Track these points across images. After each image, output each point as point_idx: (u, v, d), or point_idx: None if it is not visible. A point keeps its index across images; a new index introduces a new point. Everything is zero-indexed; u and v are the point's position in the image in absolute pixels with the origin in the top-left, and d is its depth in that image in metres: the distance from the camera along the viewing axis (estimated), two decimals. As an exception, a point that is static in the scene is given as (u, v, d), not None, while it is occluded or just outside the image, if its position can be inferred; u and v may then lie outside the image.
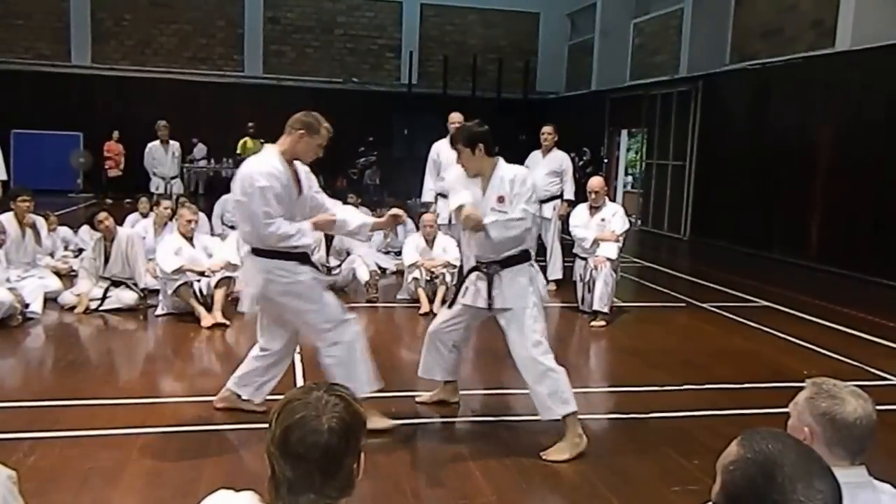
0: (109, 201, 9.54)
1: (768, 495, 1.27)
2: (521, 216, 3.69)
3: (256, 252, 3.70)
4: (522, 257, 3.82)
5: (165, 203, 7.86)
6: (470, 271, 3.94)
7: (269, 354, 4.01)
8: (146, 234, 7.51)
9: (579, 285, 6.87)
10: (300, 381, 4.49)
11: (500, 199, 3.74)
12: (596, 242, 6.75)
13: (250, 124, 14.34)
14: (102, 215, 6.42)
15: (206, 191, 16.09)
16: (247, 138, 14.39)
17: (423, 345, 4.23)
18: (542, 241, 8.09)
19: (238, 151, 14.34)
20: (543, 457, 3.62)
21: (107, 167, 15.56)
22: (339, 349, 3.77)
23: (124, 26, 17.60)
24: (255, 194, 3.51)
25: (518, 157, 9.10)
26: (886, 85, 9.21)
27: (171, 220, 7.41)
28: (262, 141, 14.03)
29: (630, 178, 16.83)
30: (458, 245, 7.30)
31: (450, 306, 4.09)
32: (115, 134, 15.61)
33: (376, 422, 3.76)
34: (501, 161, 3.85)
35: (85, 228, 7.95)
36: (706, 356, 5.73)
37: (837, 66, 10.05)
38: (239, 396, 4.06)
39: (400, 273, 7.76)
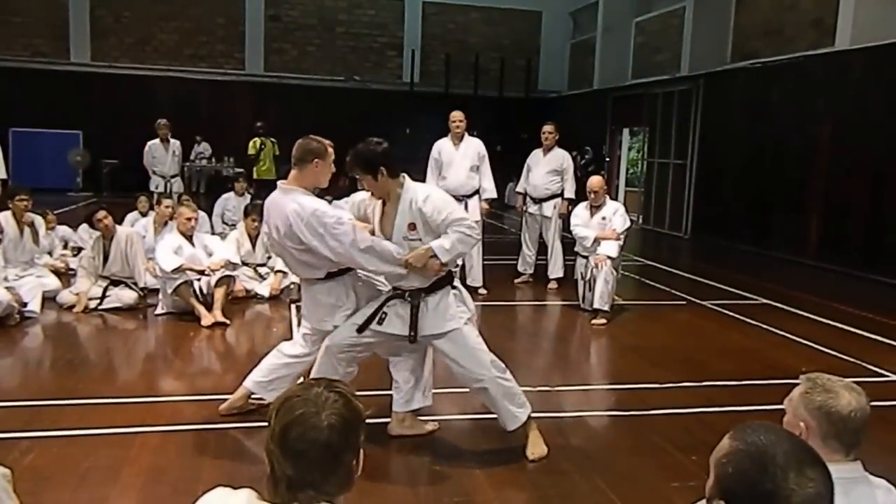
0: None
1: (761, 485, 1.28)
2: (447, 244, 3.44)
3: (331, 276, 3.67)
4: (446, 279, 3.57)
5: (166, 202, 7.84)
6: (389, 298, 3.59)
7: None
8: (146, 233, 7.50)
9: (580, 283, 6.88)
10: (300, 378, 4.48)
11: (412, 227, 3.48)
12: (597, 241, 6.75)
13: (259, 124, 14.16)
14: (101, 214, 6.41)
15: (207, 190, 16.04)
16: (256, 138, 14.22)
17: (317, 358, 3.73)
18: (543, 240, 8.12)
19: (250, 152, 14.17)
20: (529, 457, 3.61)
21: None
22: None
23: (124, 23, 17.55)
24: (331, 222, 3.45)
25: (519, 156, 9.17)
26: (886, 83, 9.20)
27: (171, 219, 7.40)
28: (274, 140, 14.03)
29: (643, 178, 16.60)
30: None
31: (359, 331, 3.60)
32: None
33: (418, 427, 3.88)
34: (408, 181, 3.55)
35: (84, 227, 7.94)
36: (705, 353, 5.73)
37: (837, 64, 10.04)
38: None
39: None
